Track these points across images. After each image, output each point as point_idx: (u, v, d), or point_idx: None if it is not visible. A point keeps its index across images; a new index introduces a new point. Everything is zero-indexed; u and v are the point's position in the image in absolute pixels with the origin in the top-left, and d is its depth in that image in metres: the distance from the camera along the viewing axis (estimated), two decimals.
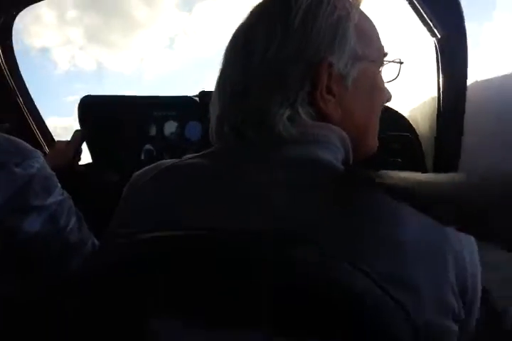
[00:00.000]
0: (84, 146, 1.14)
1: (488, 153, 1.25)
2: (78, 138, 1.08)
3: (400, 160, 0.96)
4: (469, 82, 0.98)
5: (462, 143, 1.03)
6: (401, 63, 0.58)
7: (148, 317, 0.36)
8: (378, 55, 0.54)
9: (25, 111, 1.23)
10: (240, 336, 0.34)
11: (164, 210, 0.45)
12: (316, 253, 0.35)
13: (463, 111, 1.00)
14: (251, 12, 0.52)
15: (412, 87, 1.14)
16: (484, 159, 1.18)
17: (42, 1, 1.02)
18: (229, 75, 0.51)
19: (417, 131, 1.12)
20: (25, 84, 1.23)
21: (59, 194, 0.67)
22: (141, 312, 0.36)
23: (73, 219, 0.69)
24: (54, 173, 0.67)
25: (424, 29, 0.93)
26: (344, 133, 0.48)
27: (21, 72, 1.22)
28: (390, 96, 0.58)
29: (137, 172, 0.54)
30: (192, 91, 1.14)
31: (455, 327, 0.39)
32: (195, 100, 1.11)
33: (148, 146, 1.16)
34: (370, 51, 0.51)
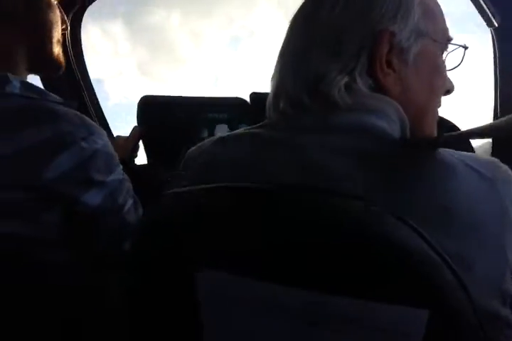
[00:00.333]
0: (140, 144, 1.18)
1: None
2: (137, 134, 1.12)
3: None
4: None
5: None
6: (465, 48, 0.55)
7: (197, 268, 0.38)
8: (442, 37, 0.52)
9: (89, 103, 1.32)
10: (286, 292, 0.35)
11: (224, 170, 0.46)
12: (373, 213, 0.35)
13: None
14: None
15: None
16: None
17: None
18: (293, 42, 0.52)
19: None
20: (89, 79, 1.33)
21: (120, 173, 0.70)
22: (192, 263, 0.38)
23: (130, 201, 0.71)
24: (116, 154, 0.70)
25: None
26: (402, 110, 0.46)
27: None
28: (452, 87, 0.55)
29: (191, 149, 0.56)
30: None
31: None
32: (247, 102, 1.11)
33: None
34: (434, 30, 0.50)
